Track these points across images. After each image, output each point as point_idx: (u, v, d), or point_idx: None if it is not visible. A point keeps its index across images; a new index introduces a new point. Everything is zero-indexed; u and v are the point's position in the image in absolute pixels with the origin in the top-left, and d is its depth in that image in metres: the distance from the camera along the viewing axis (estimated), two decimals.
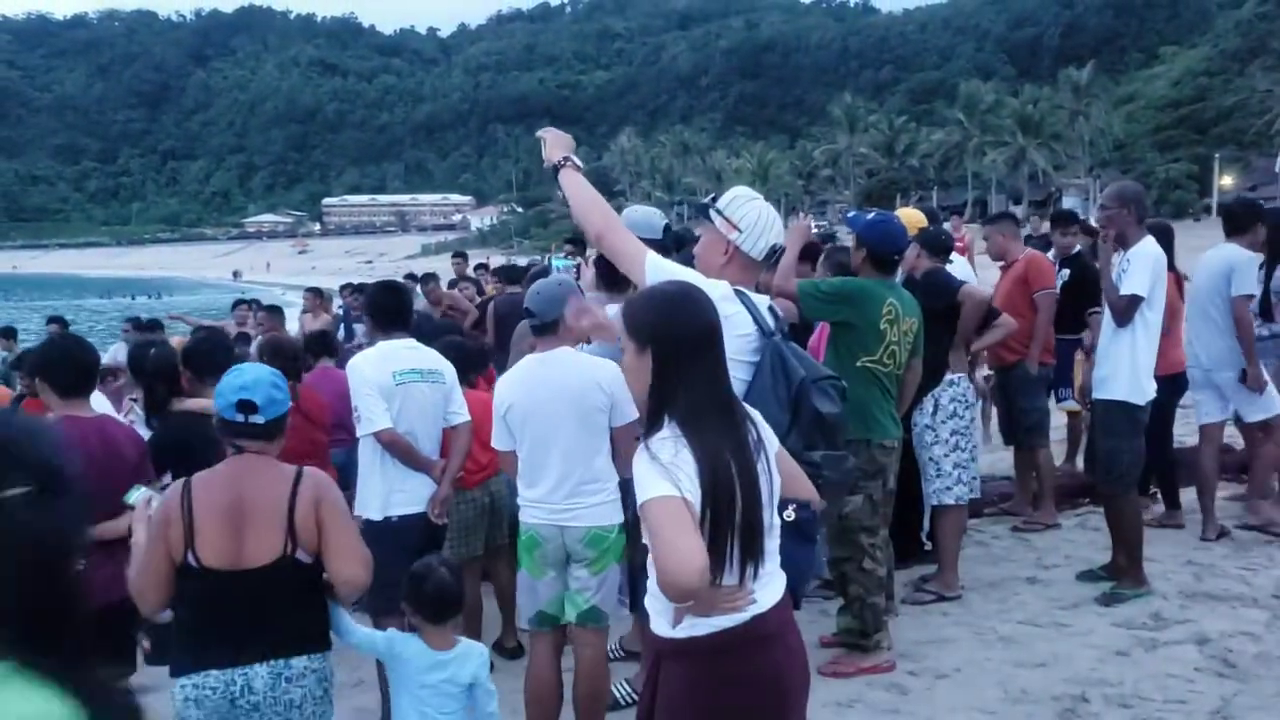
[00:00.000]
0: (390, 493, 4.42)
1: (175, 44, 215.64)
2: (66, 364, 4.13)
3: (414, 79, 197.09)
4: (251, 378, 3.15)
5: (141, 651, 4.05)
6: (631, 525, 3.91)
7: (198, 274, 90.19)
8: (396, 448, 4.44)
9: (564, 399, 3.99)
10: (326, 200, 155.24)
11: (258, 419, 3.09)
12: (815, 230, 7.62)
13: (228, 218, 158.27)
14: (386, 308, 4.72)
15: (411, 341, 4.63)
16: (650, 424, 2.28)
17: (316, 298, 11.23)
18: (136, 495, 3.10)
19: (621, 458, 3.93)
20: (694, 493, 2.13)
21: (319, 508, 3.06)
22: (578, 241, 8.18)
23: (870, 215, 4.99)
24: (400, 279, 8.59)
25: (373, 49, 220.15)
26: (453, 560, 3.85)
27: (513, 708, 4.04)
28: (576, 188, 3.26)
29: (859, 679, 4.40)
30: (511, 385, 4.11)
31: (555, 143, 3.40)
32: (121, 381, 7.27)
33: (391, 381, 4.46)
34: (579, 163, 3.30)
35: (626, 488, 3.92)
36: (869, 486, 4.49)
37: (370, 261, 78.87)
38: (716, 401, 2.31)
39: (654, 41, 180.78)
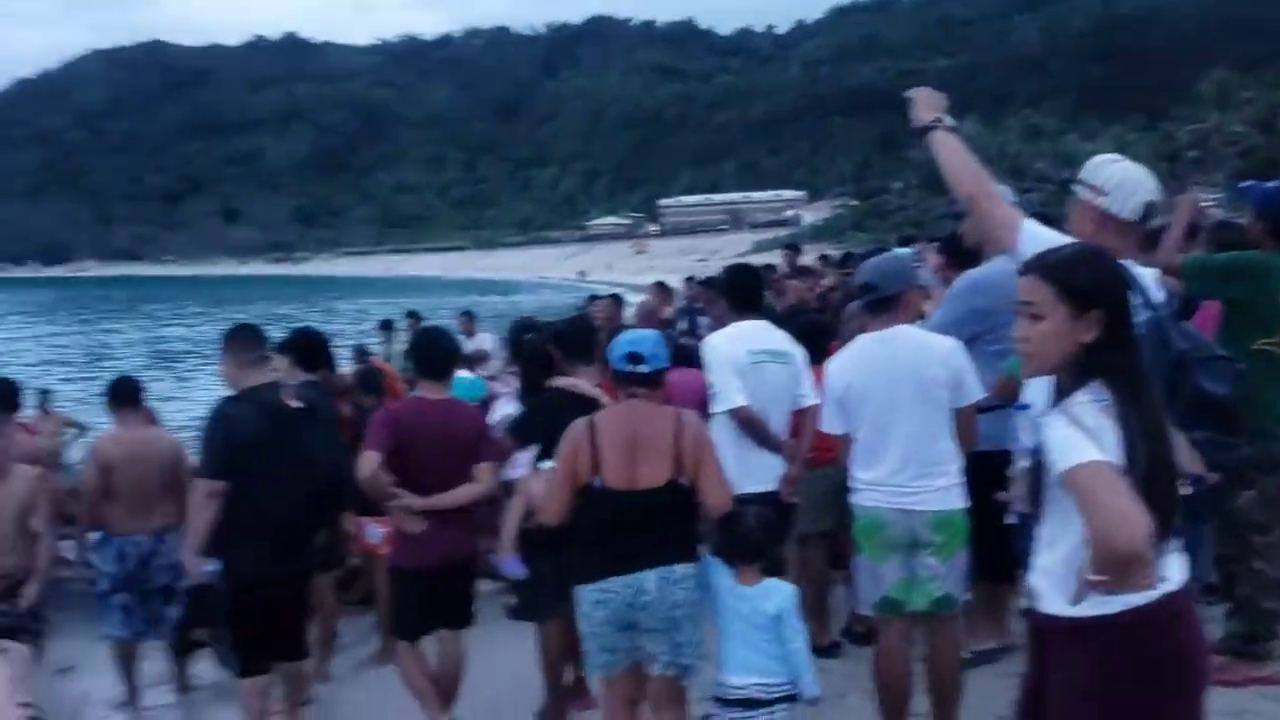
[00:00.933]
0: (742, 470, 4.40)
1: (528, 57, 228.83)
2: (434, 350, 4.99)
3: (750, 78, 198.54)
4: (639, 336, 4.03)
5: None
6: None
7: (544, 275, 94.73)
8: (751, 425, 4.59)
9: (905, 378, 3.95)
10: (662, 201, 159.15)
11: (644, 368, 3.84)
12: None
13: (573, 221, 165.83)
14: (742, 290, 4.93)
15: (766, 324, 4.82)
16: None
17: (661, 292, 11.36)
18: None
19: (964, 439, 3.98)
20: (1118, 460, 2.07)
21: (696, 443, 3.80)
22: (909, 239, 7.91)
23: (1271, 185, 4.51)
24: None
25: (711, 50, 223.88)
26: (765, 511, 3.98)
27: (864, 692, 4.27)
28: (949, 150, 3.22)
29: (1248, 689, 4.13)
30: (847, 365, 4.09)
31: (926, 102, 3.28)
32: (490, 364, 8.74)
33: (746, 360, 4.61)
34: (951, 123, 3.16)
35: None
36: (1265, 481, 4.15)
37: (704, 259, 79.55)
38: (1144, 366, 2.26)
39: (1000, 25, 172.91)
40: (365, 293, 75.88)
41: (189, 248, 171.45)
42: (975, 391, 4.02)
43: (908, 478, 3.91)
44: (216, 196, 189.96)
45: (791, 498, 4.79)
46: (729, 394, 4.62)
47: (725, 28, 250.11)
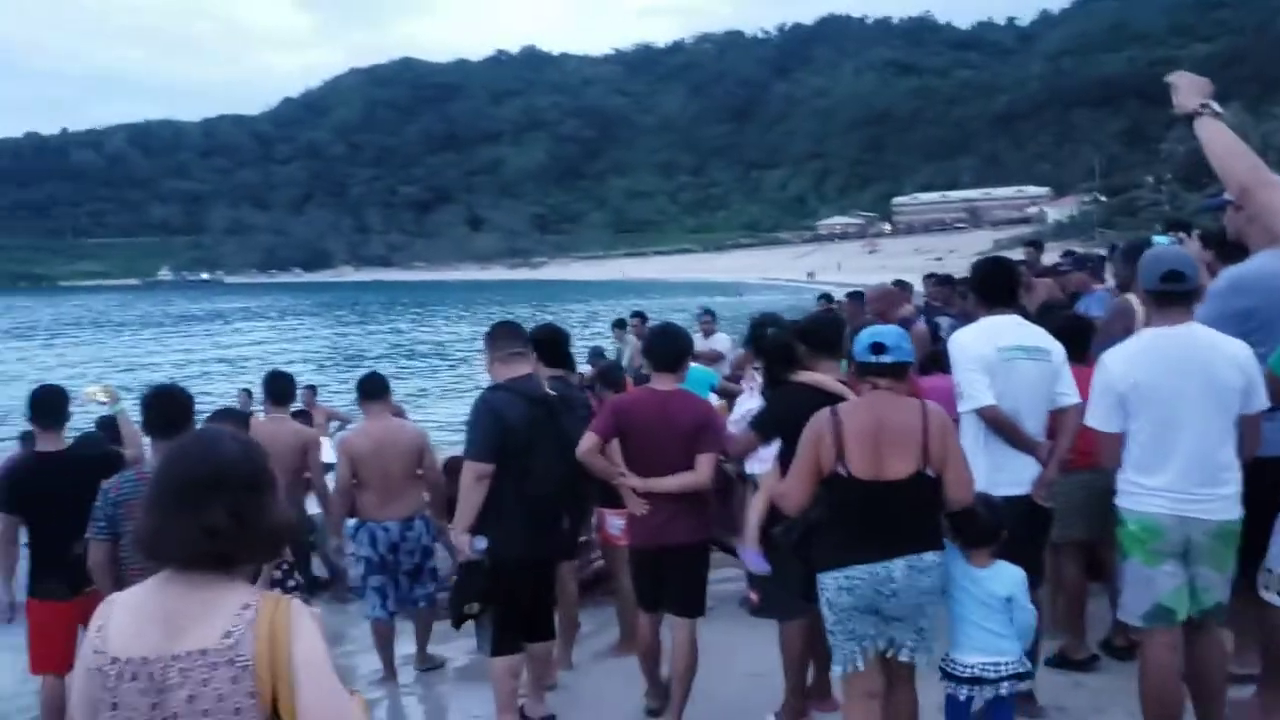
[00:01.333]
0: (993, 472, 4.30)
1: (760, 59, 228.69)
2: (668, 344, 5.17)
3: (989, 71, 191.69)
4: (884, 329, 4.10)
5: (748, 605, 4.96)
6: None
7: (772, 277, 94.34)
8: (999, 425, 4.37)
9: (1196, 379, 3.77)
10: (896, 199, 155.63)
11: (886, 358, 3.88)
12: None
13: (802, 221, 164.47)
14: (993, 282, 4.70)
15: (1018, 318, 4.59)
16: None
17: (898, 290, 10.96)
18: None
19: (1249, 447, 3.81)
20: None
21: (943, 435, 3.81)
22: (1182, 224, 7.31)
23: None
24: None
25: (948, 45, 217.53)
26: (994, 498, 4.03)
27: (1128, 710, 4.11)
28: (1218, 137, 3.17)
29: None
30: (1131, 361, 3.89)
31: (1190, 88, 3.23)
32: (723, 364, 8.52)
33: (996, 356, 4.39)
34: (1217, 109, 3.11)
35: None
36: None
37: (940, 259, 77.26)
38: None
39: (1262, 6, 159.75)
40: (597, 296, 77.74)
41: (436, 254, 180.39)
42: (1263, 399, 3.81)
43: (1192, 484, 3.73)
44: (462, 206, 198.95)
45: (1046, 502, 4.55)
46: (976, 392, 4.42)
47: (963, 21, 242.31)
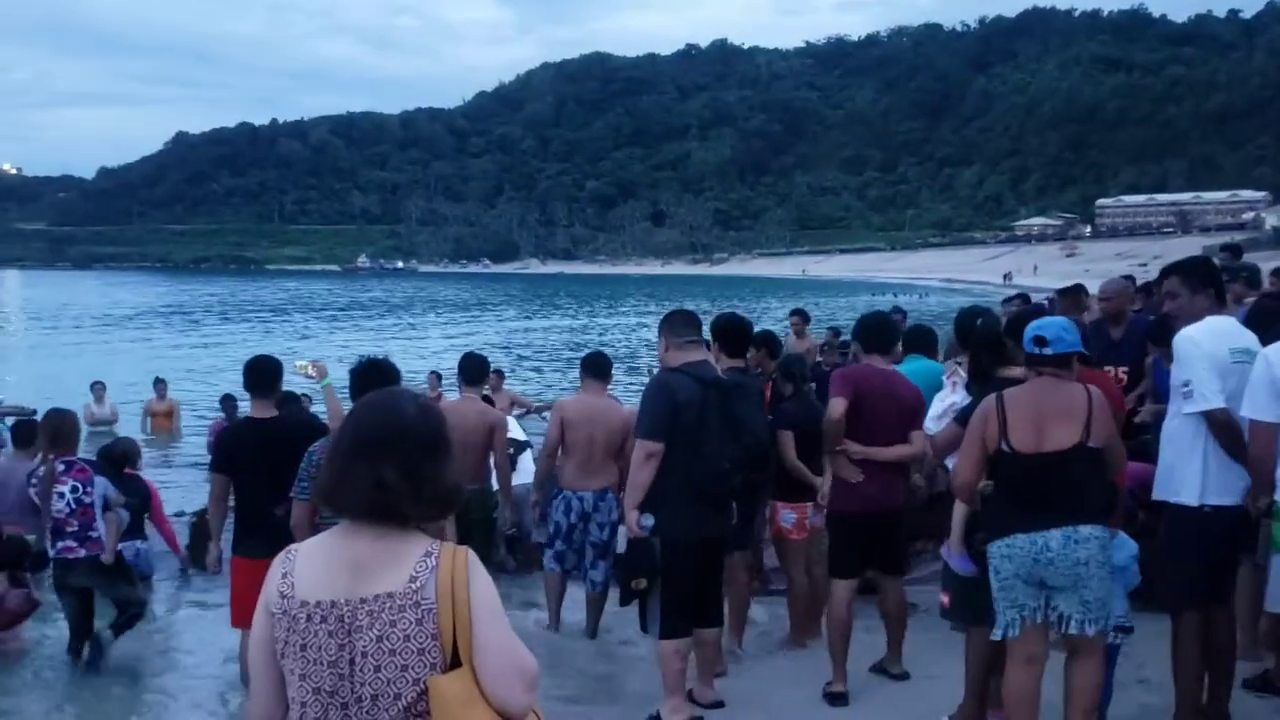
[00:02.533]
0: (1208, 479, 4.25)
1: (958, 53, 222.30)
2: (882, 328, 5.74)
3: (1207, 67, 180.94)
4: (1047, 322, 4.30)
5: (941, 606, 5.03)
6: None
7: (955, 278, 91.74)
8: (1227, 432, 4.22)
9: None
10: (1101, 201, 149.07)
11: (1047, 350, 4.12)
12: None
13: (997, 221, 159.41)
14: (1220, 281, 4.63)
15: (1233, 320, 4.52)
16: None
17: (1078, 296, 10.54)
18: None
19: None
20: None
21: (1105, 413, 4.09)
22: None
23: None
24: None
25: (1162, 39, 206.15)
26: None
27: None
28: None
29: None
30: None
31: None
32: None
33: (1229, 359, 4.29)
34: None
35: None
36: None
37: (1144, 265, 73.51)
38: None
39: None
40: (775, 293, 77.33)
41: (618, 248, 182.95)
42: None
43: None
44: (646, 201, 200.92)
45: (1262, 515, 4.28)
46: (1206, 394, 4.23)
47: (1180, 14, 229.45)
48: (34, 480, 6.72)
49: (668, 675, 5.11)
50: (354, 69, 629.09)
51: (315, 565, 2.17)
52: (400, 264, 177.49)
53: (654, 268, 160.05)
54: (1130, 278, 10.41)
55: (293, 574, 2.18)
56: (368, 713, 2.11)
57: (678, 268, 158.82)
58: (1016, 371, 4.65)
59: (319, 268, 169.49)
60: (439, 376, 14.93)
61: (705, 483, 5.02)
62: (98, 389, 17.12)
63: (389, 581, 2.12)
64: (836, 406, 5.33)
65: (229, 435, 6.17)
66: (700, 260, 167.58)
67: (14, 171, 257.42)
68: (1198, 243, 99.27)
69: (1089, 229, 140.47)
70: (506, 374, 16.55)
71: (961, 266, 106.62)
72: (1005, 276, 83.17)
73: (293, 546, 2.27)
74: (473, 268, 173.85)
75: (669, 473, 5.00)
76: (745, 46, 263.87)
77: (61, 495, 6.52)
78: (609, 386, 7.50)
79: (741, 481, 5.23)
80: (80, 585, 6.70)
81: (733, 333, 6.01)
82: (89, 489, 6.58)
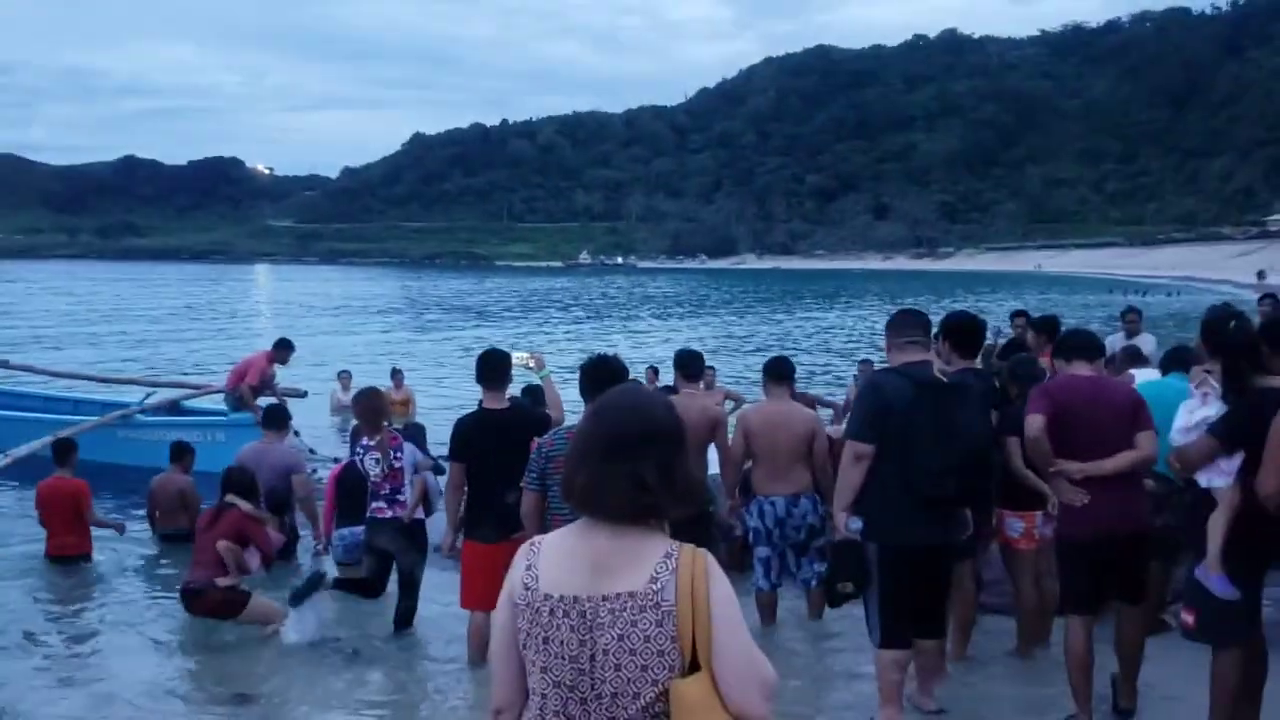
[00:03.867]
0: None
1: (1207, 38, 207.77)
2: (1081, 336, 5.44)
3: None
4: None
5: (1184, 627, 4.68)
6: None
7: (1192, 275, 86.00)
8: None
9: None
10: None
11: None
12: None
13: (1248, 216, 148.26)
14: None
15: None
16: None
17: None
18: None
19: None
20: None
21: None
22: None
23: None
24: None
25: None
26: None
27: None
28: None
29: None
30: None
31: None
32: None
33: None
34: None
35: None
36: None
37: None
38: None
39: None
40: (1003, 289, 74.57)
41: (838, 243, 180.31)
42: None
43: None
44: (868, 194, 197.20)
45: None
46: None
47: None
48: (361, 450, 7.38)
49: (884, 685, 5.05)
50: (580, 69, 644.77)
51: (558, 559, 2.21)
52: (620, 259, 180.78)
53: (875, 262, 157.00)
54: None
55: (536, 566, 2.22)
56: (606, 710, 2.14)
57: (900, 262, 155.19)
58: (1272, 380, 4.38)
59: (543, 264, 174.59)
60: (656, 371, 15.15)
61: (919, 487, 4.89)
62: (344, 378, 18.21)
63: (630, 581, 2.14)
64: (1034, 424, 5.04)
65: (465, 424, 6.43)
66: (924, 254, 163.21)
67: (266, 172, 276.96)
68: None
69: None
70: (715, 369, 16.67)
71: (1207, 263, 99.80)
72: (1259, 274, 77.31)
73: (537, 539, 2.32)
74: (689, 263, 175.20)
75: (881, 476, 4.92)
76: (976, 36, 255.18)
77: (377, 461, 7.16)
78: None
79: (959, 487, 5.06)
80: (382, 548, 7.27)
81: (962, 331, 5.86)
82: (399, 455, 7.18)
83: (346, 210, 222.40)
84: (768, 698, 2.19)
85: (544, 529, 4.84)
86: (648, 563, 2.16)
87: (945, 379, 5.13)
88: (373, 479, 7.20)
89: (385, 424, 7.41)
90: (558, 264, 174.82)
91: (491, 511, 6.07)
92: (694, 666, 2.13)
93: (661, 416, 2.25)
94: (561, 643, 2.16)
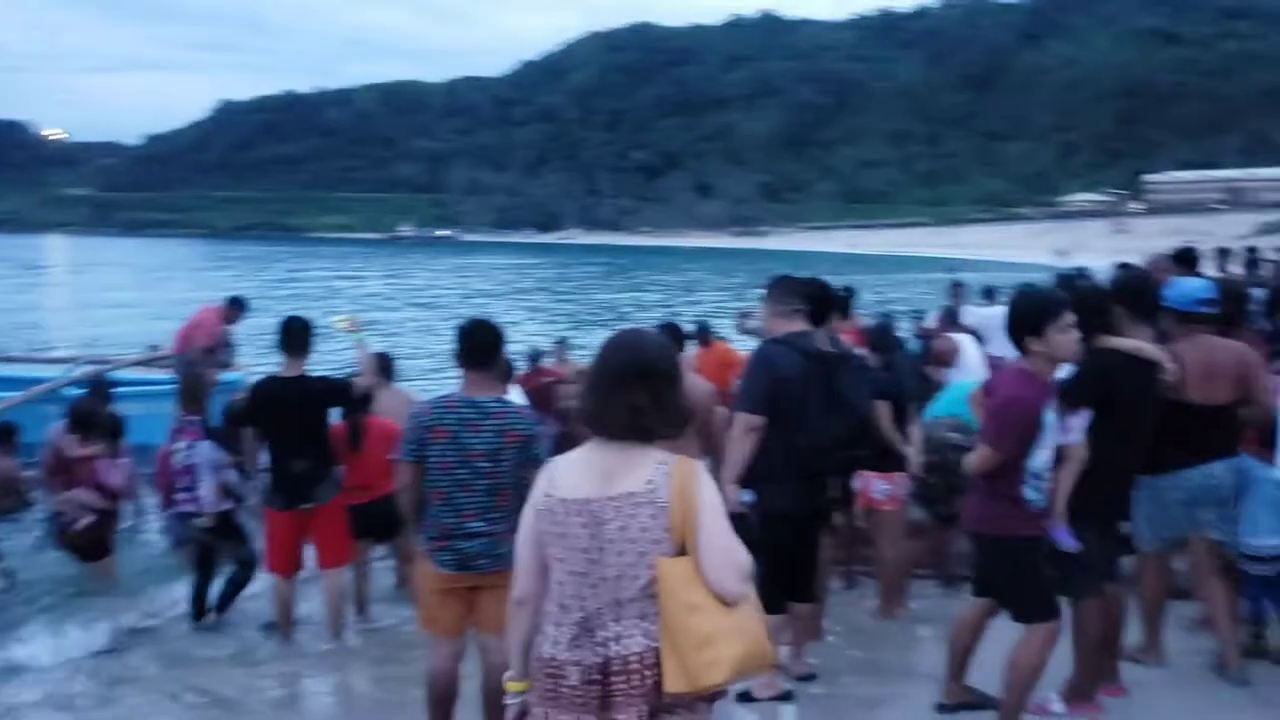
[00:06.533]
0: None
1: (1007, 26, 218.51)
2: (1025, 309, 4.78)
3: (1263, 41, 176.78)
4: (1202, 284, 5.04)
5: None
6: None
7: (1010, 254, 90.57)
8: None
9: None
10: (1150, 177, 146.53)
11: (1212, 310, 4.86)
12: None
13: (1043, 197, 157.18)
14: None
15: None
16: None
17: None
18: None
19: None
20: None
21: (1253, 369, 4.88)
22: None
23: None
24: None
25: (1217, 13, 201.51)
26: None
27: None
28: None
29: None
30: None
31: None
32: None
33: None
34: None
35: None
36: None
37: (1194, 241, 72.27)
38: None
39: None
40: (822, 267, 76.60)
41: (662, 220, 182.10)
42: None
43: None
44: (690, 172, 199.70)
45: None
46: None
47: None
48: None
49: None
50: (401, 37, 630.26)
51: (573, 472, 2.73)
52: (444, 232, 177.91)
53: (699, 239, 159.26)
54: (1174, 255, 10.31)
55: (555, 479, 2.75)
56: (611, 590, 2.64)
57: (723, 240, 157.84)
58: (1120, 342, 4.58)
59: (362, 235, 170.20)
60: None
61: (806, 458, 4.90)
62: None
63: (630, 483, 2.65)
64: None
65: (254, 391, 6.40)
66: (745, 233, 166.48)
67: (61, 137, 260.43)
68: (1250, 219, 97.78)
69: (1138, 205, 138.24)
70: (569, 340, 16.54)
71: (1008, 242, 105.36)
72: (1060, 253, 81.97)
73: (554, 459, 2.85)
74: (516, 237, 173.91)
75: (770, 447, 4.89)
76: (792, 18, 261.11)
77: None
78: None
79: (844, 456, 5.12)
80: (192, 538, 7.17)
81: (820, 300, 5.85)
82: (191, 450, 6.96)
83: (150, 179, 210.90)
84: (743, 580, 2.69)
85: (421, 502, 4.66)
86: (645, 469, 2.66)
87: (831, 349, 5.15)
88: (177, 465, 6.97)
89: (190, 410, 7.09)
90: (377, 236, 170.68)
91: (283, 479, 6.12)
92: (683, 554, 2.62)
93: (656, 354, 2.75)
94: (575, 537, 2.66)
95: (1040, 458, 4.25)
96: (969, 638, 4.78)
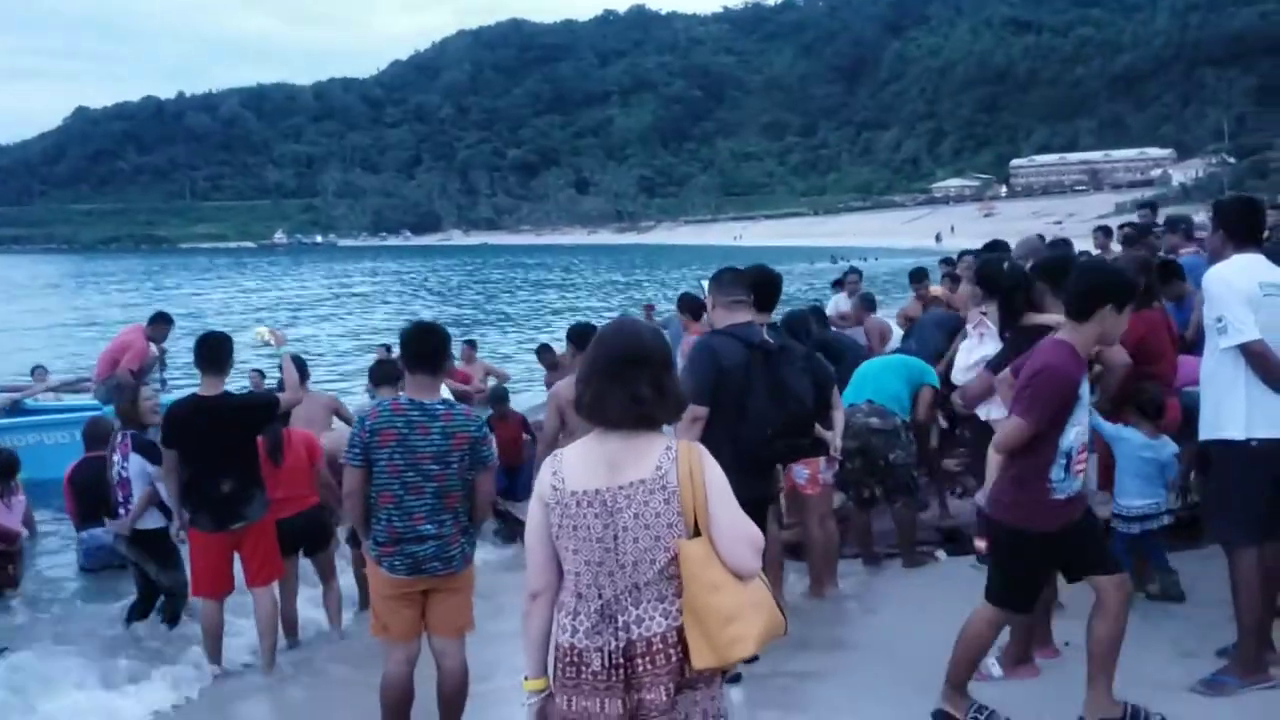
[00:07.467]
0: (1253, 412, 4.29)
1: (872, 17, 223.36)
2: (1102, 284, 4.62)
3: (1113, 29, 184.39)
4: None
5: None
6: None
7: (887, 239, 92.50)
8: (1264, 362, 4.27)
9: None
10: (1015, 161, 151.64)
11: None
12: None
13: (916, 184, 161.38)
14: (1245, 220, 4.61)
15: (1260, 258, 4.49)
16: None
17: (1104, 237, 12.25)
18: None
19: None
20: None
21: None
22: None
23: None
24: None
25: (1071, 2, 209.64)
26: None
27: None
28: None
29: None
30: None
31: None
32: None
33: (1259, 292, 4.34)
34: None
35: None
36: None
37: (1059, 222, 75.29)
38: None
39: None
40: (707, 261, 77.19)
41: (543, 218, 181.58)
42: None
43: None
44: (569, 169, 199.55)
45: None
46: (1241, 328, 4.29)
47: None
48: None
49: None
50: (268, 41, 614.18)
51: (579, 463, 2.76)
52: (319, 238, 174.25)
53: (580, 236, 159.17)
54: (1041, 236, 10.72)
55: (561, 471, 2.77)
56: (629, 576, 2.70)
57: (605, 236, 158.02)
58: (1045, 318, 4.72)
59: (234, 244, 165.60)
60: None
61: (749, 447, 4.92)
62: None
63: (639, 471, 2.70)
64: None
65: (174, 411, 6.14)
66: (627, 228, 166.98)
67: None
68: (1110, 200, 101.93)
69: (1004, 189, 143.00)
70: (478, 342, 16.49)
71: (884, 229, 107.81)
72: (936, 238, 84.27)
73: (559, 451, 2.86)
74: (393, 240, 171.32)
75: (713, 437, 4.91)
76: (663, 12, 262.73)
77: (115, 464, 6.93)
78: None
79: (786, 445, 5.21)
80: (124, 556, 7.15)
81: (766, 286, 5.81)
82: (125, 464, 6.87)
83: (0, 191, 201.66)
84: (756, 554, 2.75)
85: (367, 508, 4.61)
86: (652, 456, 2.71)
87: (770, 338, 5.23)
88: (113, 480, 6.85)
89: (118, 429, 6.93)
90: (250, 244, 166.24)
91: (209, 500, 5.95)
92: (696, 534, 2.69)
93: (652, 343, 2.79)
94: (589, 528, 2.70)
95: (1071, 434, 4.06)
96: (976, 650, 4.41)
